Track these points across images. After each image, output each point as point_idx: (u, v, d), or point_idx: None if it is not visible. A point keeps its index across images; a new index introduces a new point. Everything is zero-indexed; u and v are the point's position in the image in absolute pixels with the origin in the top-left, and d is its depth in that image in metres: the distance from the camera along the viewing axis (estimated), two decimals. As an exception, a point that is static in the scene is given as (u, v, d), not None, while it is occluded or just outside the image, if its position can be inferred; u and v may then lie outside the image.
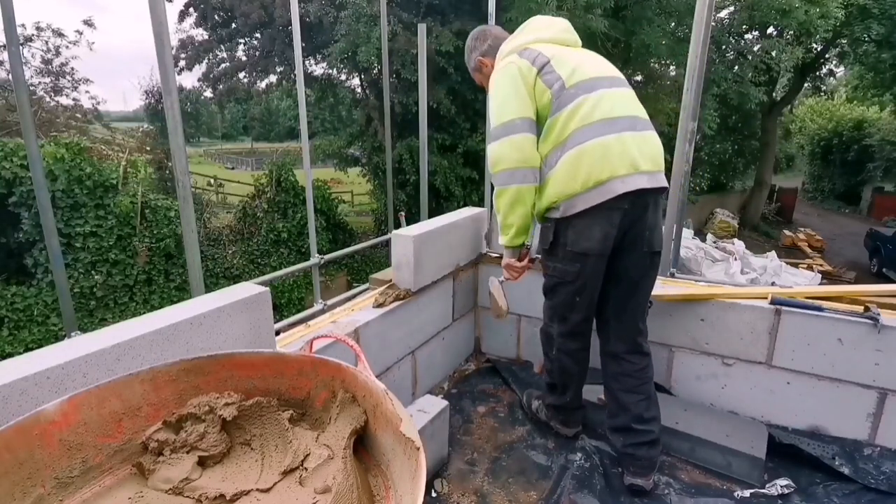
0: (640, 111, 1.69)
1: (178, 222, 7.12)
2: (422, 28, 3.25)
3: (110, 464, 0.88)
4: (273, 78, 13.43)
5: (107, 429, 0.88)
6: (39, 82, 11.90)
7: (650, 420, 1.74)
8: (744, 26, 13.30)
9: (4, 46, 9.48)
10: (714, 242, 10.72)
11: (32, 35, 11.70)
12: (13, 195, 7.26)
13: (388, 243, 2.58)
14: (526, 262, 1.95)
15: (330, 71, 12.76)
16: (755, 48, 12.94)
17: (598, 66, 1.72)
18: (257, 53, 12.63)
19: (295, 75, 3.26)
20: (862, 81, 16.59)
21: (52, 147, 7.57)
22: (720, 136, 15.59)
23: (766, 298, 2.02)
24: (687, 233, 9.55)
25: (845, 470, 1.79)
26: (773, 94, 16.93)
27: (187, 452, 0.88)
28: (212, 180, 17.24)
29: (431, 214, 2.97)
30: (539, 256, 1.91)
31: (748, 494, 1.74)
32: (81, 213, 7.65)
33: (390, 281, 2.21)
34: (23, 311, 7.41)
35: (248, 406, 0.93)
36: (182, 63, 12.52)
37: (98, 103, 13.64)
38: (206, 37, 12.71)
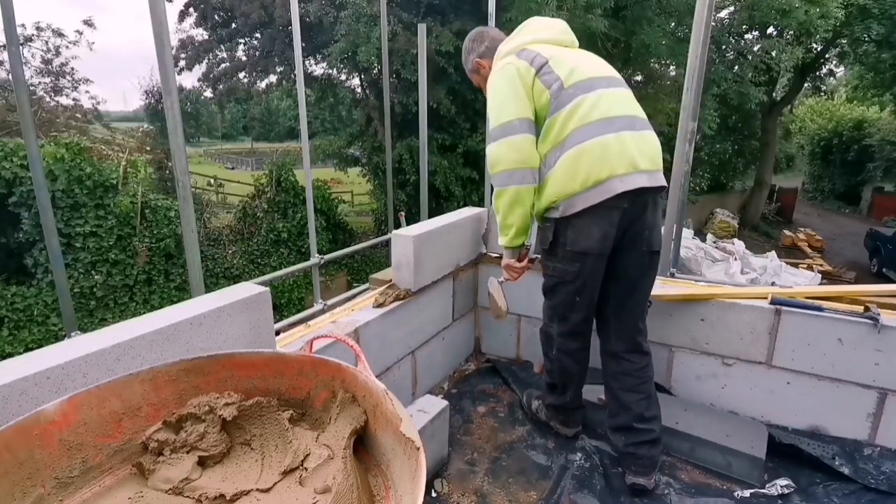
0: (638, 111, 1.69)
1: (178, 222, 7.13)
2: (422, 28, 3.25)
3: (110, 464, 0.88)
4: (273, 78, 13.44)
5: (107, 429, 0.88)
6: (39, 82, 11.91)
7: (651, 419, 1.74)
8: (744, 26, 13.30)
9: (4, 46, 9.48)
10: (714, 242, 10.72)
11: (32, 35, 11.70)
12: (13, 195, 7.26)
13: (388, 243, 2.58)
14: (525, 262, 1.95)
15: (330, 71, 12.77)
16: (755, 48, 12.95)
17: (596, 66, 1.72)
18: (257, 53, 12.63)
19: (295, 75, 3.26)
20: (862, 81, 16.59)
21: (52, 147, 7.57)
22: (720, 136, 15.59)
23: (766, 298, 2.02)
24: (687, 233, 9.55)
25: (845, 470, 1.79)
26: (773, 94, 16.93)
27: (187, 452, 0.88)
28: (212, 180, 17.24)
29: (431, 214, 2.97)
30: (539, 256, 1.91)
31: (748, 494, 1.74)
32: (81, 213, 7.65)
33: (390, 281, 2.21)
34: (23, 311, 7.41)
35: (248, 406, 0.93)
36: (182, 63, 12.52)
37: (98, 103, 13.67)
38: (206, 37, 12.71)
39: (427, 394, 2.25)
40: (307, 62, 12.39)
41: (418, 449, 0.77)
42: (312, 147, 14.45)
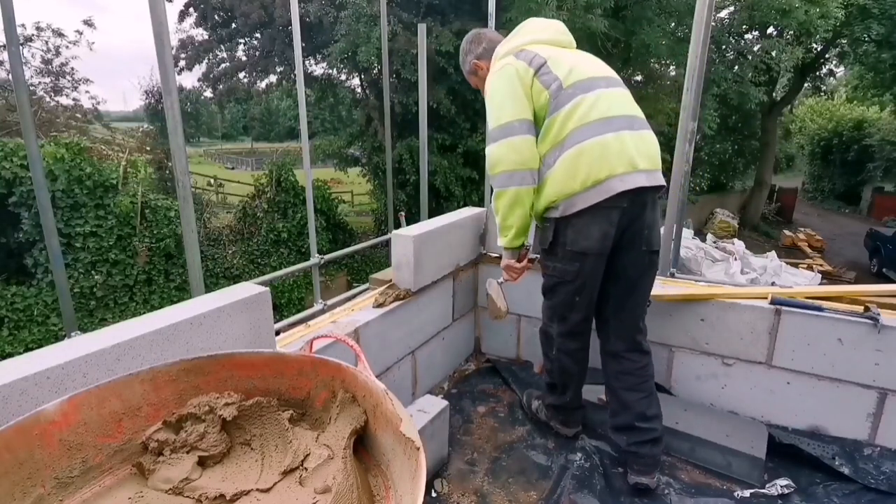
0: (637, 111, 1.69)
1: (178, 222, 7.13)
2: (422, 28, 3.25)
3: (110, 464, 0.88)
4: (273, 78, 13.44)
5: (107, 429, 0.88)
6: (39, 82, 11.91)
7: (652, 418, 1.74)
8: (744, 26, 13.30)
9: (4, 46, 9.48)
10: (714, 242, 10.71)
11: (32, 35, 11.70)
12: (13, 195, 7.26)
13: (388, 243, 2.58)
14: (525, 262, 1.95)
15: (330, 71, 12.77)
16: (755, 48, 12.95)
17: (595, 66, 1.73)
18: (257, 53, 12.63)
19: (295, 75, 3.26)
20: (862, 81, 16.59)
21: (52, 147, 7.57)
22: (720, 136, 15.59)
23: (766, 298, 2.02)
24: (687, 233, 9.55)
25: (845, 470, 1.79)
26: (773, 94, 16.94)
27: (187, 452, 0.88)
28: (212, 180, 17.24)
29: (431, 214, 2.97)
30: (538, 256, 1.91)
31: (748, 494, 1.74)
32: (81, 213, 7.66)
33: (390, 281, 2.21)
34: (23, 311, 7.41)
35: (248, 406, 0.93)
36: (182, 63, 12.51)
37: (98, 103, 13.67)
38: (206, 37, 12.71)
39: (427, 394, 2.25)
40: (307, 62, 12.39)
41: (418, 449, 0.77)
42: (312, 147, 14.45)
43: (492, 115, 1.71)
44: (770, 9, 10.73)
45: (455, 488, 1.82)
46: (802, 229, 16.92)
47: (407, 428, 0.80)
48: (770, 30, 13.61)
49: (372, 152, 12.42)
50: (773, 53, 12.55)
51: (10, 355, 1.81)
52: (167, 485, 0.84)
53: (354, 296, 2.73)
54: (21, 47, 4.44)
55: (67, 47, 12.16)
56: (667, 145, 1.73)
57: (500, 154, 1.68)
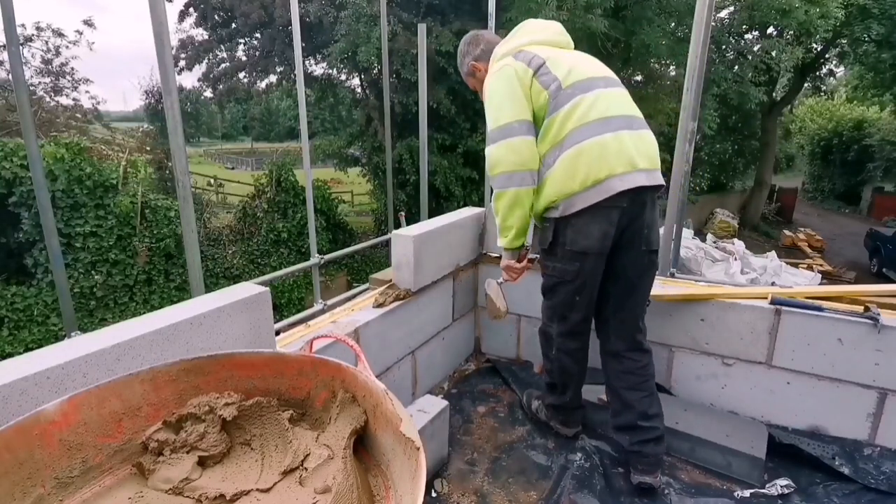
0: (636, 110, 1.70)
1: (178, 222, 7.13)
2: (422, 28, 3.25)
3: (110, 464, 0.88)
4: (273, 78, 13.45)
5: (107, 429, 0.88)
6: (39, 82, 11.92)
7: (654, 416, 1.74)
8: (744, 26, 13.30)
9: (4, 46, 9.48)
10: (714, 242, 10.70)
11: (32, 35, 11.71)
12: (13, 195, 7.26)
13: (388, 243, 2.58)
14: (525, 262, 1.95)
15: (330, 71, 12.77)
16: (755, 48, 12.95)
17: (593, 66, 1.73)
18: (257, 53, 12.64)
19: (295, 75, 3.26)
20: (862, 81, 16.59)
21: (52, 147, 7.57)
22: (720, 136, 15.60)
23: (766, 298, 2.02)
24: (687, 233, 9.54)
25: (845, 470, 1.79)
26: (773, 94, 16.94)
27: (187, 452, 0.88)
28: (212, 180, 17.25)
29: (431, 214, 2.97)
30: (538, 256, 1.91)
31: (748, 494, 1.74)
32: (81, 213, 7.66)
33: (390, 281, 2.21)
34: (23, 311, 7.41)
35: (248, 406, 0.93)
36: (182, 63, 12.52)
37: (98, 103, 13.67)
38: (206, 37, 12.71)
39: (427, 394, 2.25)
40: (307, 62, 12.39)
41: (418, 449, 0.77)
42: (312, 147, 14.45)
43: (491, 116, 1.71)
44: (770, 9, 10.73)
45: (455, 488, 1.82)
46: (802, 229, 16.92)
47: (407, 428, 0.80)
48: (770, 30, 13.61)
49: (372, 152, 12.42)
50: (773, 53, 12.55)
51: (10, 355, 1.81)
52: (167, 485, 0.84)
53: (354, 296, 2.73)
54: (21, 47, 4.44)
55: (67, 47, 12.19)
56: (667, 145, 1.73)
57: (499, 155, 1.67)
